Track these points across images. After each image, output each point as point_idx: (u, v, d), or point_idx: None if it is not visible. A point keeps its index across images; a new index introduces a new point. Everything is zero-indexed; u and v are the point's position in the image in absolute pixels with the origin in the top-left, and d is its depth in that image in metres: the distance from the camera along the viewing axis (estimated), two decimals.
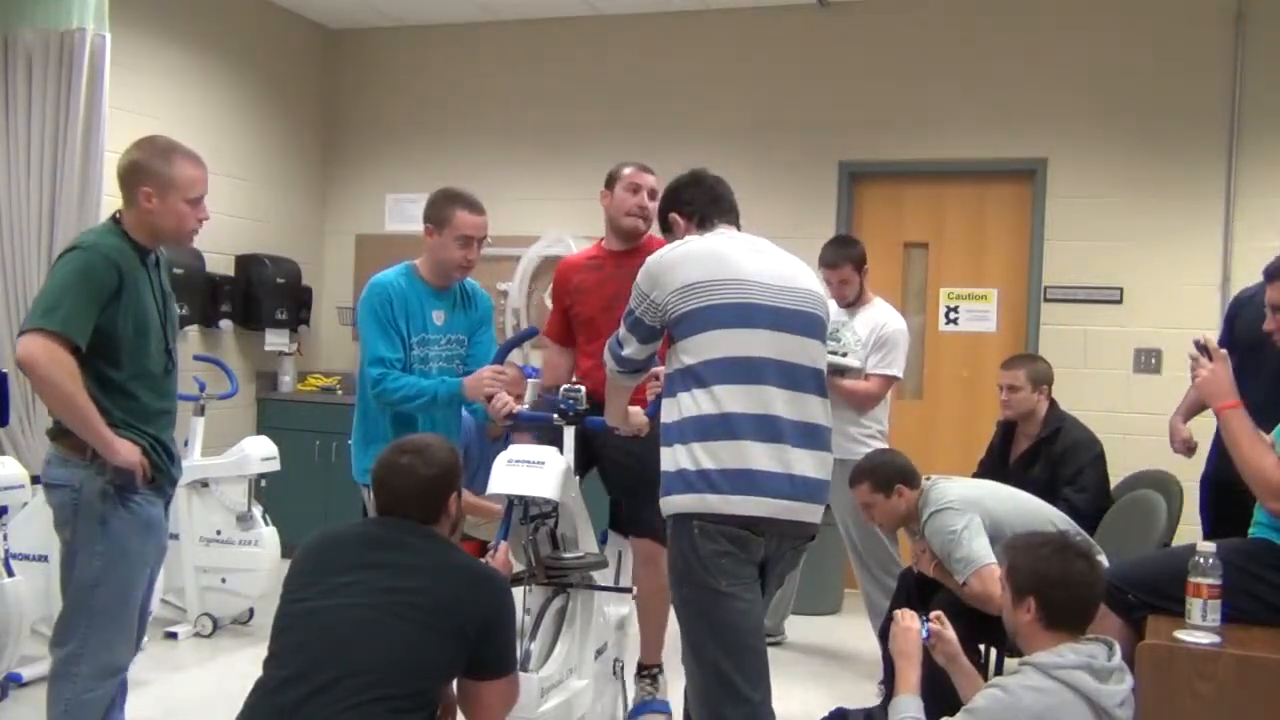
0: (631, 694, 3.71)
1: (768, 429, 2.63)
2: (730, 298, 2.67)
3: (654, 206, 3.54)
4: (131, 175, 2.90)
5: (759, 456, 2.61)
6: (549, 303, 4.40)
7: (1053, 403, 4.24)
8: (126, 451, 2.81)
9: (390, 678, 2.19)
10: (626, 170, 3.81)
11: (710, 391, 2.63)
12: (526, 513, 3.10)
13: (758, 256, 2.77)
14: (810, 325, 2.76)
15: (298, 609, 2.31)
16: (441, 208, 3.51)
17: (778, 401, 2.65)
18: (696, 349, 2.67)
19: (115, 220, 2.93)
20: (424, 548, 2.40)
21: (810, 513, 2.71)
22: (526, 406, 3.88)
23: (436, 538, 2.46)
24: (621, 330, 2.83)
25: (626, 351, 2.82)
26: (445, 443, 2.60)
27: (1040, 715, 2.36)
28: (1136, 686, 2.54)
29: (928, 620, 2.80)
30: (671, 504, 2.68)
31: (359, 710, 2.15)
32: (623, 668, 3.66)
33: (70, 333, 2.71)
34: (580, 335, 3.85)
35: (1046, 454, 4.11)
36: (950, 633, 2.75)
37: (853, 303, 4.68)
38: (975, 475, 4.31)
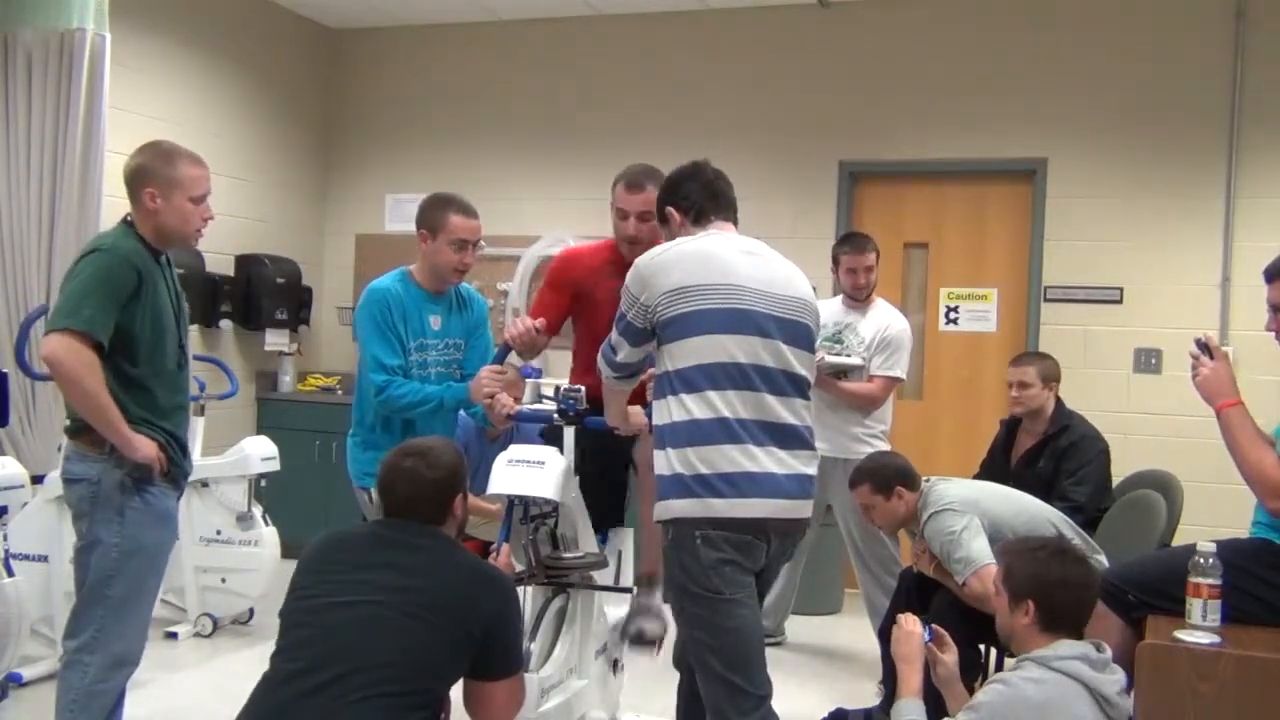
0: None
1: (762, 432, 2.64)
2: (721, 303, 2.66)
3: (643, 227, 3.35)
4: (136, 178, 2.99)
5: (757, 459, 2.62)
6: None
7: (1059, 400, 4.24)
8: (144, 447, 2.90)
9: (398, 674, 2.21)
10: (617, 188, 3.45)
11: (705, 396, 2.63)
12: (526, 513, 3.10)
13: (750, 259, 2.76)
14: (799, 334, 2.76)
15: (307, 605, 2.33)
16: (435, 213, 3.51)
17: (769, 405, 2.66)
18: (687, 353, 2.66)
19: (128, 223, 3.00)
20: (431, 548, 2.42)
21: (808, 509, 2.76)
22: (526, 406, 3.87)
23: (443, 538, 2.48)
24: (614, 335, 2.82)
25: (620, 356, 2.82)
26: (450, 445, 2.62)
27: (1042, 705, 2.37)
28: (1136, 687, 2.55)
29: (930, 624, 2.81)
30: (671, 509, 2.67)
31: (366, 704, 2.16)
32: (623, 668, 3.66)
33: (94, 332, 2.80)
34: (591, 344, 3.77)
35: (1052, 450, 4.11)
36: (949, 657, 2.76)
37: (859, 302, 4.69)
38: (978, 474, 4.32)
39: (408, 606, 2.27)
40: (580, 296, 3.61)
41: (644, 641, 3.56)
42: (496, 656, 2.39)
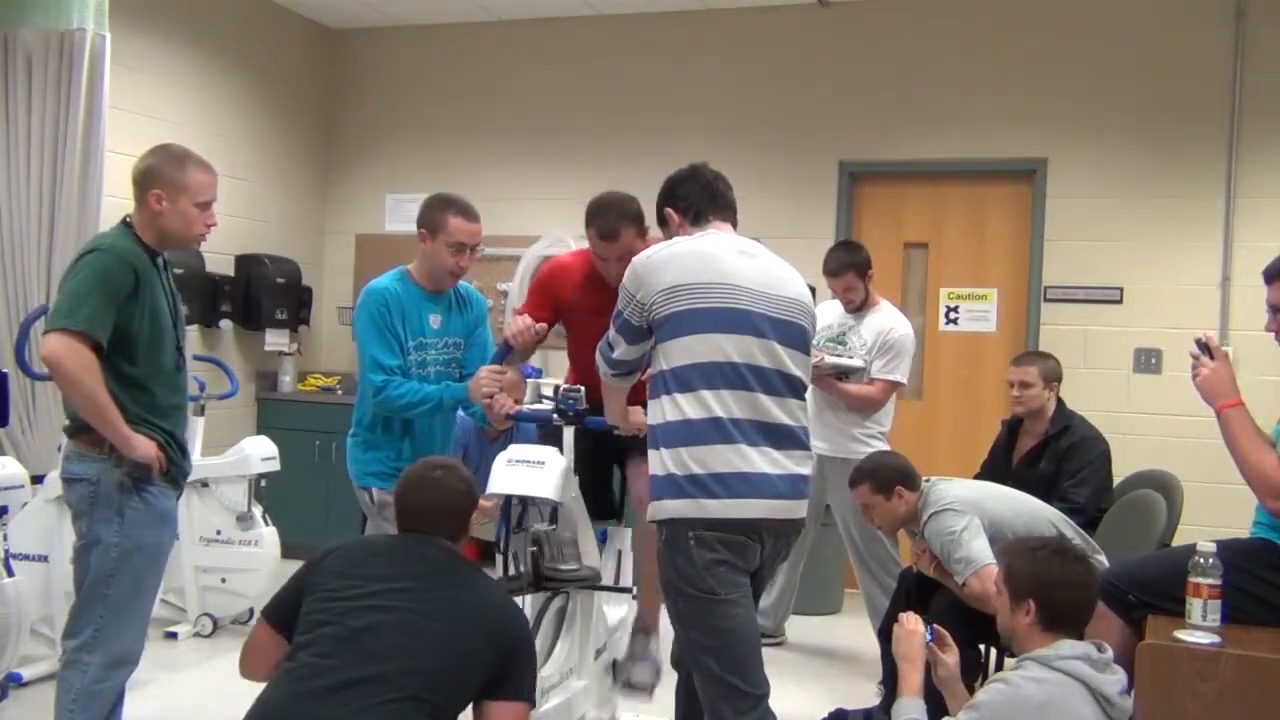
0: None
1: (756, 432, 2.64)
2: (716, 302, 2.66)
3: (626, 266, 3.28)
4: (144, 179, 3.00)
5: (751, 459, 2.62)
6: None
7: (1060, 401, 4.24)
8: (143, 446, 2.91)
9: (423, 682, 2.22)
10: (590, 233, 3.48)
11: (699, 395, 2.62)
12: (522, 522, 3.09)
13: (746, 260, 2.75)
14: (794, 334, 2.75)
15: (337, 605, 2.32)
16: (435, 214, 3.50)
17: (763, 405, 2.65)
18: (681, 352, 2.65)
19: (126, 224, 3.01)
20: (457, 568, 2.46)
21: (802, 509, 2.76)
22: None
23: (466, 560, 2.52)
24: (611, 332, 2.83)
25: (617, 354, 2.82)
26: (460, 463, 2.70)
27: (1044, 704, 2.38)
28: (1136, 687, 2.55)
29: (931, 624, 2.81)
30: (664, 509, 2.66)
31: (388, 707, 2.17)
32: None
33: (93, 331, 2.80)
34: (580, 351, 3.82)
35: (1053, 450, 4.10)
36: (950, 657, 2.76)
37: (860, 307, 4.68)
38: (979, 473, 4.32)
39: (443, 622, 2.29)
40: (563, 310, 3.67)
41: (634, 688, 3.61)
42: (513, 677, 2.39)
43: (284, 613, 2.41)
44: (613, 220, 3.40)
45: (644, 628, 3.82)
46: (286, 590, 2.46)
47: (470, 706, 2.37)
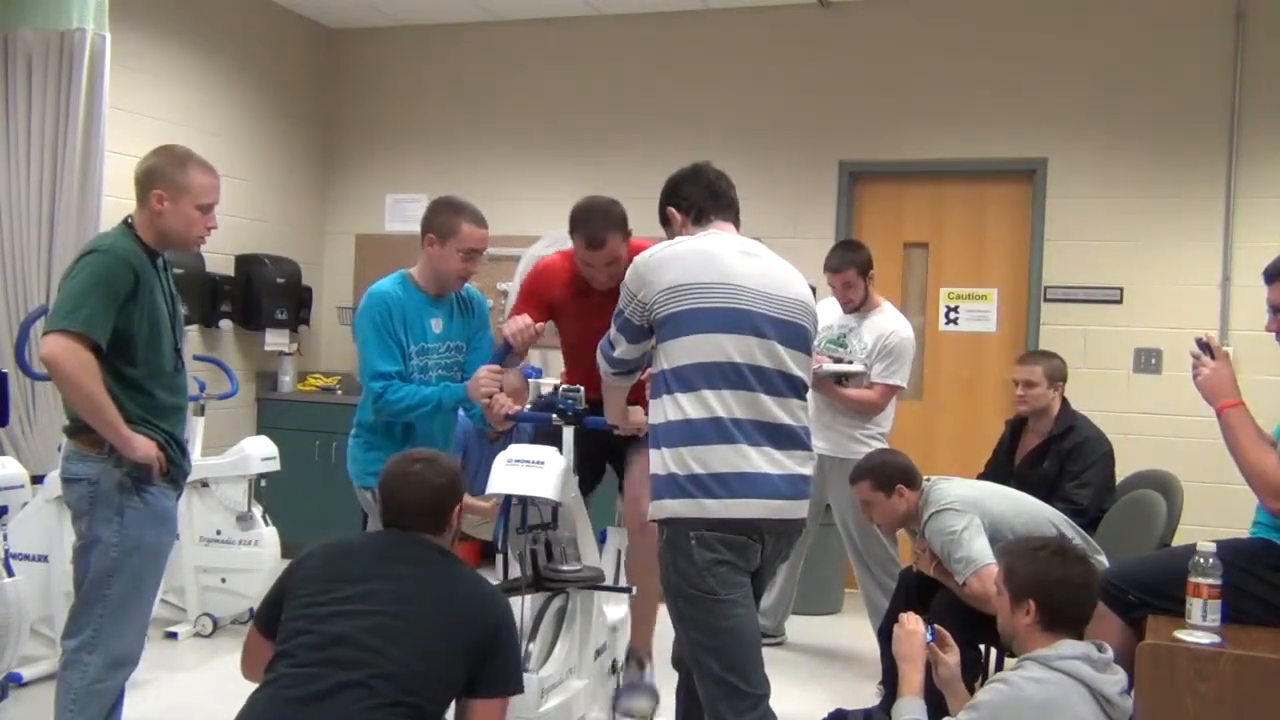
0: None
1: (758, 432, 2.64)
2: (717, 301, 2.66)
3: (614, 270, 3.36)
4: (147, 179, 3.01)
5: (752, 459, 2.62)
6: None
7: (1065, 401, 4.24)
8: (143, 446, 2.91)
9: (405, 685, 2.20)
10: (576, 240, 3.46)
11: (700, 395, 2.62)
12: (524, 522, 3.09)
13: (748, 260, 2.75)
14: (795, 335, 2.75)
15: (313, 613, 2.31)
16: (446, 219, 3.50)
17: (764, 405, 2.65)
18: (682, 351, 2.66)
19: (127, 224, 3.02)
20: (438, 562, 2.43)
21: (803, 509, 2.76)
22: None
23: (449, 553, 2.49)
24: (612, 330, 2.83)
25: (618, 352, 2.82)
26: (450, 456, 2.65)
27: (1044, 704, 2.38)
28: (1136, 687, 2.56)
29: (932, 624, 2.81)
30: (664, 509, 2.66)
31: (370, 715, 2.15)
32: (623, 669, 3.66)
33: (92, 332, 2.81)
34: (572, 352, 3.83)
35: (1056, 450, 4.10)
36: (951, 657, 2.76)
37: (859, 307, 4.67)
38: (982, 473, 4.31)
39: (420, 619, 2.27)
40: (553, 311, 3.68)
41: (633, 716, 3.59)
42: (494, 670, 2.37)
43: (269, 619, 2.41)
44: (598, 228, 3.39)
45: (638, 659, 3.77)
46: (271, 595, 2.44)
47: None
